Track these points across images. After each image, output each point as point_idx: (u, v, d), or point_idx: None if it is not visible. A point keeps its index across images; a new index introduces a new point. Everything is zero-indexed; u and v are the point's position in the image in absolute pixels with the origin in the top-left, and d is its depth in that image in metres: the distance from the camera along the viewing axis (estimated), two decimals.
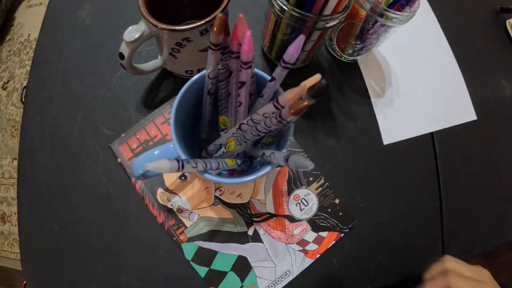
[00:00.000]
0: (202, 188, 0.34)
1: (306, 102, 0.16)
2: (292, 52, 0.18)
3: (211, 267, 0.32)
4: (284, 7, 0.27)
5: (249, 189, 0.34)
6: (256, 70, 0.25)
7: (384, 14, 0.29)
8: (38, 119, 0.35)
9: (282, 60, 0.19)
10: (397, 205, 0.35)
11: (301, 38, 0.18)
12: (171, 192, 0.34)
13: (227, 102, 0.25)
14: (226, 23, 0.20)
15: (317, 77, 0.18)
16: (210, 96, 0.25)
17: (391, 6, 0.30)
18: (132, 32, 0.27)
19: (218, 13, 0.25)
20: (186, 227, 0.33)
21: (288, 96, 0.17)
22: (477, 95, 0.41)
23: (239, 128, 0.22)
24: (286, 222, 0.34)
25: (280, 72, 0.20)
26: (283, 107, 0.18)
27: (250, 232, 0.33)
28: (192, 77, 0.24)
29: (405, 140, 0.37)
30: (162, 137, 0.35)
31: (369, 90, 0.39)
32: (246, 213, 0.33)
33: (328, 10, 0.27)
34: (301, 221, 0.34)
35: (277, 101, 0.18)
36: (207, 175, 0.23)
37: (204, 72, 0.24)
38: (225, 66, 0.22)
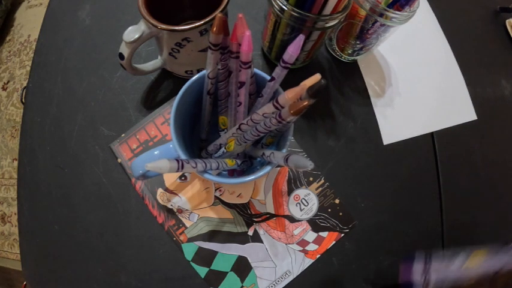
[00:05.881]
0: (202, 188, 0.34)
1: (306, 102, 0.16)
2: (292, 52, 0.18)
3: (211, 268, 0.32)
4: (284, 7, 0.27)
5: (249, 189, 0.34)
6: (256, 70, 0.25)
7: (383, 14, 0.29)
8: (38, 119, 0.35)
9: (282, 60, 0.19)
10: (397, 205, 0.35)
11: (300, 38, 0.18)
12: (171, 192, 0.34)
13: (227, 102, 0.25)
14: (225, 23, 0.20)
15: (317, 76, 0.18)
16: (210, 96, 0.25)
17: (390, 6, 0.30)
18: (132, 32, 0.27)
19: (218, 13, 0.25)
20: (186, 227, 0.33)
21: (288, 96, 0.17)
22: (477, 94, 0.41)
23: (239, 128, 0.22)
24: (286, 222, 0.34)
25: (279, 72, 0.20)
26: (282, 107, 0.18)
27: (250, 232, 0.33)
28: (191, 77, 0.24)
29: (405, 140, 0.37)
30: (162, 137, 0.35)
31: (369, 90, 0.39)
32: (246, 213, 0.33)
33: (327, 10, 0.27)
34: (301, 221, 0.34)
35: (276, 101, 0.18)
36: (207, 175, 0.22)
37: (203, 72, 0.24)
38: (224, 66, 0.22)
